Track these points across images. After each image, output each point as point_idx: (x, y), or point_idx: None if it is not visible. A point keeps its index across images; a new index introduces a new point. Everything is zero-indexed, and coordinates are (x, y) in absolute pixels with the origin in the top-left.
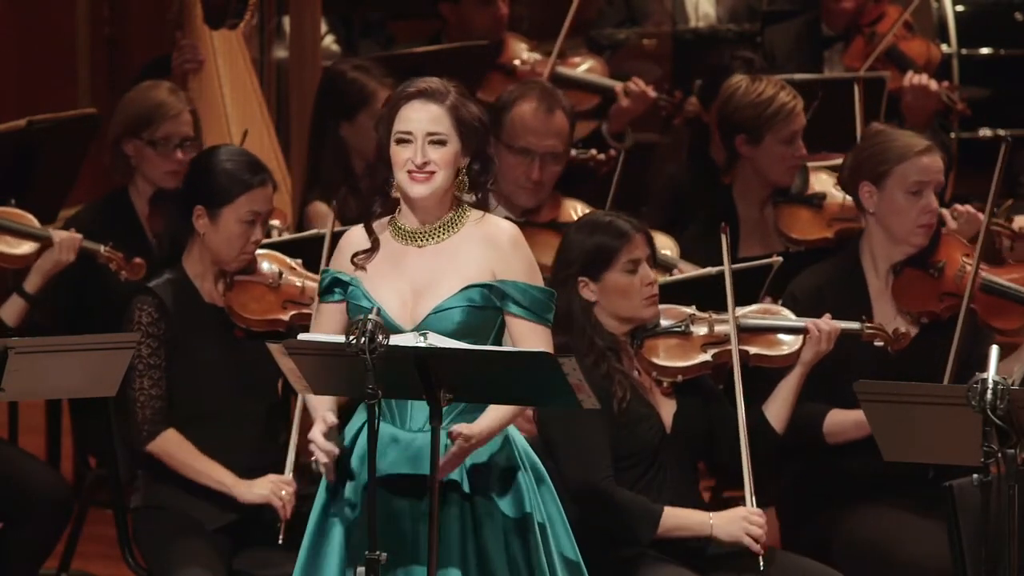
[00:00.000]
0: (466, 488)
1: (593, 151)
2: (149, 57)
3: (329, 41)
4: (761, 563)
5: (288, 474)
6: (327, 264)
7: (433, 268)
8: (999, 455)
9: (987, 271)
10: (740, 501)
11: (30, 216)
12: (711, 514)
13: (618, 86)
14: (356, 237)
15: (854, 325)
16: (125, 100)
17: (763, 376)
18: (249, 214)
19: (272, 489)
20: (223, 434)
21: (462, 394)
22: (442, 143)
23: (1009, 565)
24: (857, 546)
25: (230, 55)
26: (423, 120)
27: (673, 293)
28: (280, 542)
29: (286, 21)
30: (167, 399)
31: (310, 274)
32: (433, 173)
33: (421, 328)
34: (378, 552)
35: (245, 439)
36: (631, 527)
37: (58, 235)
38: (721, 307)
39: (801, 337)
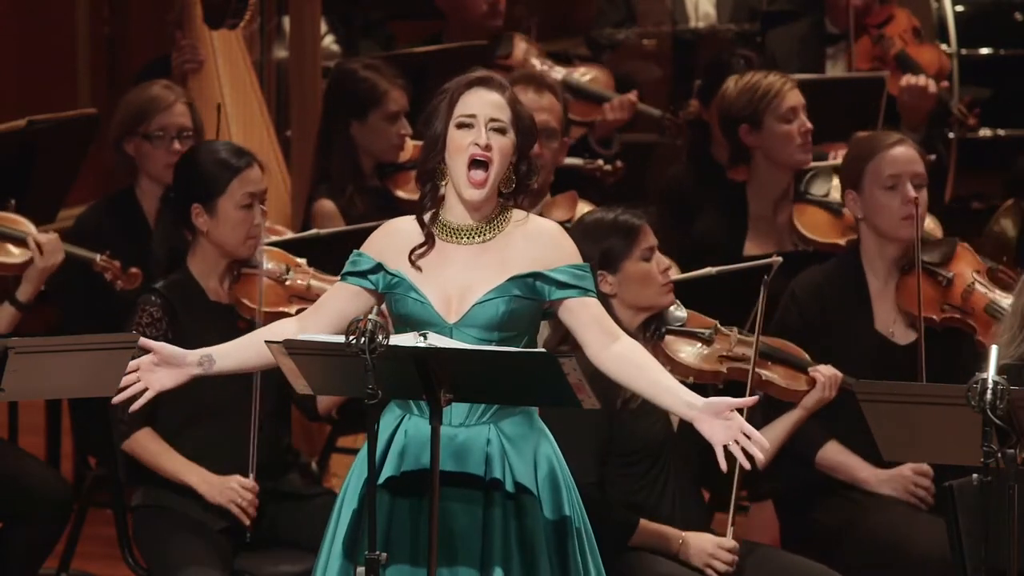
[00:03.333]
0: (509, 487)
1: (600, 161)
2: (149, 57)
3: (329, 41)
4: None
5: (251, 476)
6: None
7: (478, 265)
8: (999, 455)
9: (995, 293)
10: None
11: (23, 221)
12: (685, 534)
13: (615, 100)
14: (402, 229)
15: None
16: (121, 102)
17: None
18: (245, 197)
19: (230, 497)
20: (226, 432)
21: (462, 394)
22: (503, 131)
23: (1009, 565)
24: (859, 543)
25: (230, 55)
26: (486, 105)
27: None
28: (247, 540)
29: (286, 21)
30: (151, 400)
31: (315, 272)
32: (489, 168)
33: (465, 321)
34: (378, 552)
35: (249, 438)
36: (607, 533)
37: (38, 239)
38: (720, 309)
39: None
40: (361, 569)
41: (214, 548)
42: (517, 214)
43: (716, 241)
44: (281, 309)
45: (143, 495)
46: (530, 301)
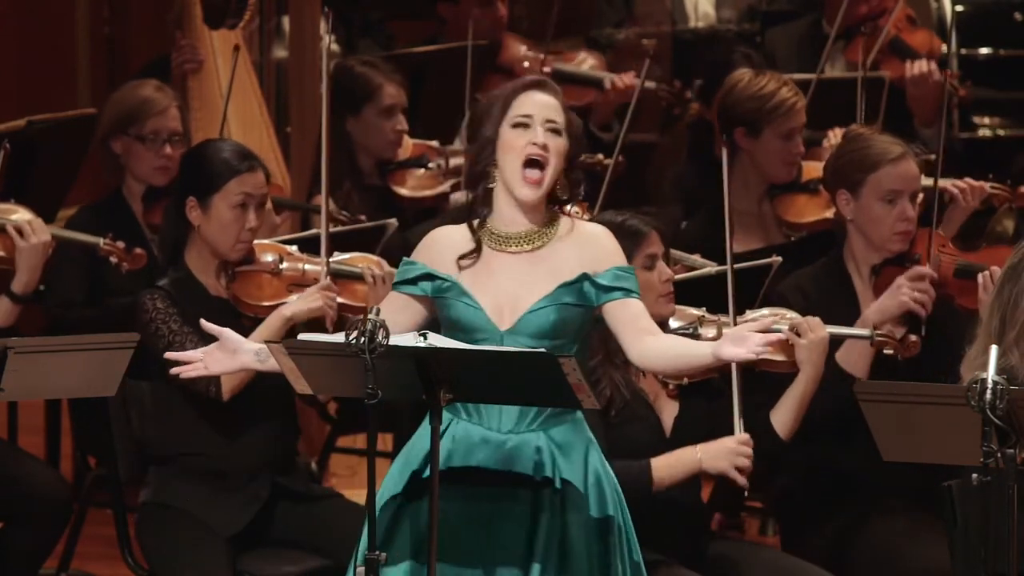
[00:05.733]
0: (558, 484)
1: (600, 156)
2: (149, 57)
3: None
4: (745, 492)
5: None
6: (329, 255)
7: (528, 273)
8: (999, 455)
9: (961, 256)
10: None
11: (18, 208)
12: (699, 447)
13: (608, 79)
14: (450, 236)
15: (864, 332)
16: (112, 99)
17: (771, 378)
18: (240, 197)
19: (325, 301)
20: (236, 426)
21: (462, 394)
22: (558, 133)
23: (1009, 565)
24: (862, 550)
25: (230, 55)
26: (543, 107)
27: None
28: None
29: (286, 21)
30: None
31: (307, 256)
32: (545, 168)
33: (517, 329)
34: (377, 552)
35: (258, 431)
36: (627, 494)
37: (17, 223)
38: (719, 308)
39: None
40: (361, 569)
41: (217, 548)
42: (565, 222)
43: (702, 239)
44: (281, 301)
45: (153, 491)
46: (580, 308)
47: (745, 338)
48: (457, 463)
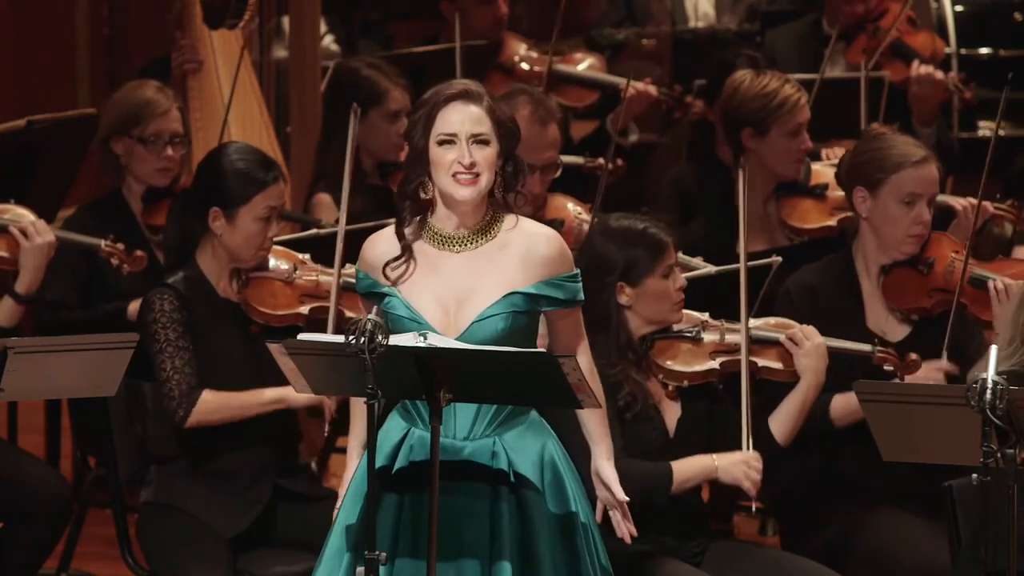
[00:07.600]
0: (512, 478)
1: (600, 160)
2: (149, 57)
3: (329, 41)
4: (754, 507)
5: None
6: (342, 259)
7: (473, 274)
8: (999, 455)
9: (976, 265)
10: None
11: (8, 208)
12: (714, 456)
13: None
14: (383, 243)
15: (865, 347)
16: (112, 100)
17: (770, 385)
18: (265, 211)
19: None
20: (237, 427)
21: (462, 394)
22: (485, 143)
23: (1009, 565)
24: (861, 550)
25: (230, 55)
26: (466, 121)
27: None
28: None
29: (286, 21)
30: (198, 376)
31: (322, 268)
32: (479, 175)
33: (465, 337)
34: (377, 552)
35: (262, 433)
36: (648, 493)
37: (20, 225)
38: (720, 308)
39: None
40: (361, 569)
41: (217, 548)
42: (508, 219)
43: (708, 240)
44: (294, 311)
45: (155, 490)
46: (532, 314)
47: (608, 496)
48: (418, 468)
